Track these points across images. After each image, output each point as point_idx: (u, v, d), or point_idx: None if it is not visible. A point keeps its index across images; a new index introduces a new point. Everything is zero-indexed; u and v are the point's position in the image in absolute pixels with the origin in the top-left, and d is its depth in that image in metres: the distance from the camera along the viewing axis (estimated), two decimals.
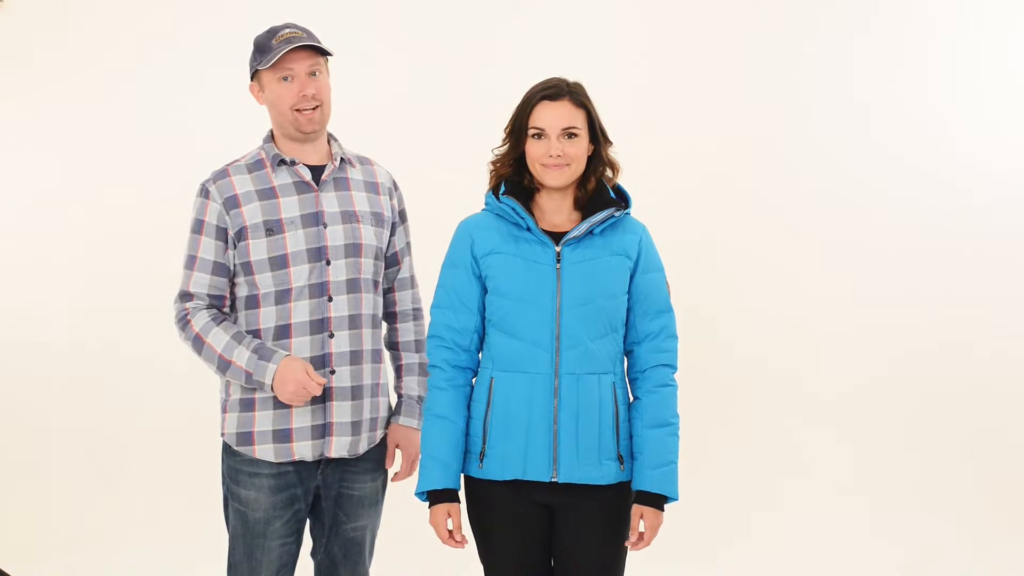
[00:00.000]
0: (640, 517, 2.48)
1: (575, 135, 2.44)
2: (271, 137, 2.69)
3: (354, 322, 2.65)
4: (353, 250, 2.64)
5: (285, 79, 2.59)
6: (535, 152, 2.46)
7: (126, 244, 4.72)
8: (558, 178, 2.46)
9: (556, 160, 2.44)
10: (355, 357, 2.65)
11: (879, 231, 4.61)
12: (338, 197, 2.66)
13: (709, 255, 4.59)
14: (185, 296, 2.63)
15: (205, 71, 4.68)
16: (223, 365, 2.57)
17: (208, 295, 2.63)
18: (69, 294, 4.75)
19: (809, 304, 4.62)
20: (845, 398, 4.58)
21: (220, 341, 2.57)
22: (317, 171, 2.67)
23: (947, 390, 4.54)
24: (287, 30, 2.61)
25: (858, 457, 4.53)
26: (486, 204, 2.55)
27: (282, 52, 2.56)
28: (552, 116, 2.43)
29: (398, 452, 2.84)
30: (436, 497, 2.48)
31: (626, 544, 2.50)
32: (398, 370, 2.86)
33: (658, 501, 2.48)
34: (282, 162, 2.64)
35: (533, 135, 2.45)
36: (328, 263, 2.61)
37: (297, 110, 2.60)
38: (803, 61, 4.67)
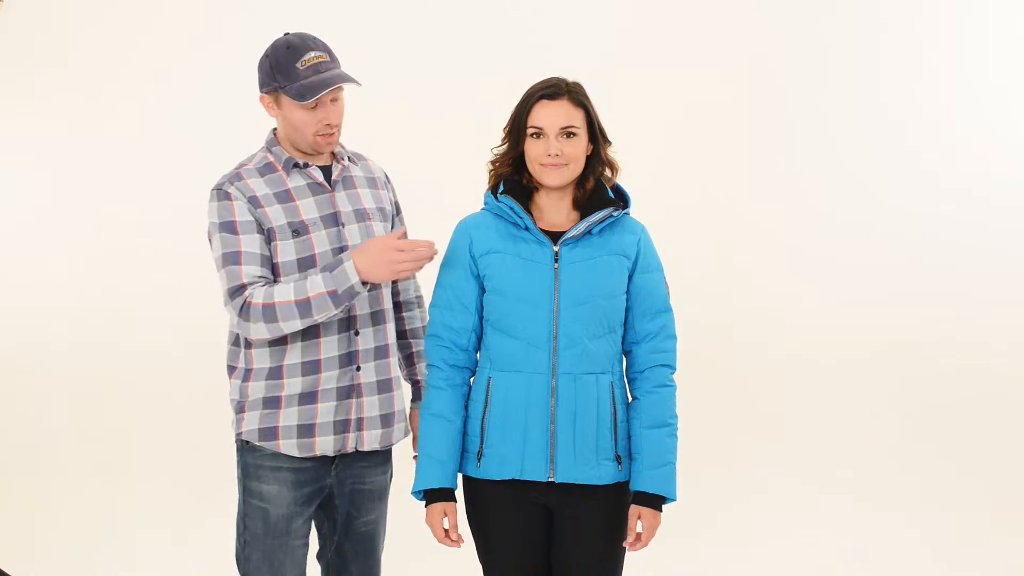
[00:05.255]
0: (638, 518, 2.48)
1: (574, 134, 2.44)
2: (276, 141, 2.65)
3: (376, 318, 2.66)
4: None
5: (312, 108, 2.54)
6: (534, 151, 2.46)
7: (126, 245, 4.72)
8: (556, 178, 2.45)
9: (554, 160, 2.44)
10: (380, 352, 2.66)
11: (881, 227, 4.62)
12: (348, 196, 2.66)
13: (706, 263, 4.59)
14: (239, 290, 2.50)
15: (209, 74, 4.68)
16: (304, 308, 2.46)
17: (261, 276, 2.52)
18: (69, 294, 4.75)
19: (808, 302, 4.63)
20: (845, 396, 4.58)
21: (288, 292, 2.47)
22: (325, 172, 2.67)
23: (946, 389, 4.55)
24: (313, 54, 2.54)
25: (858, 456, 4.53)
26: (485, 203, 2.55)
27: (318, 96, 2.49)
28: (551, 115, 2.43)
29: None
30: (432, 496, 2.48)
31: (624, 545, 2.50)
32: (409, 357, 2.87)
33: (656, 502, 2.48)
34: (295, 165, 2.62)
35: (532, 134, 2.45)
36: None
37: (317, 135, 2.57)
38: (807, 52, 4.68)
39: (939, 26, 4.67)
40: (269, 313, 2.47)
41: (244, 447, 2.64)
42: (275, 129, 2.68)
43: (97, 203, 4.78)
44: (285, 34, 2.60)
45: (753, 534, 4.36)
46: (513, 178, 2.51)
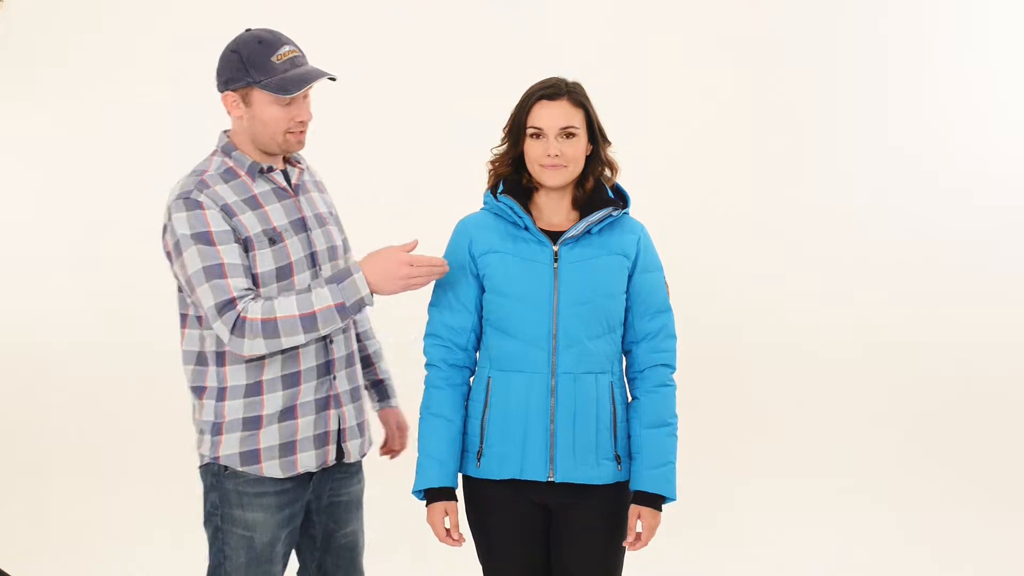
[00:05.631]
0: (637, 517, 2.48)
1: (573, 135, 2.44)
2: (234, 145, 2.51)
3: (344, 325, 2.58)
4: (332, 252, 2.58)
5: (287, 104, 2.45)
6: (533, 152, 2.45)
7: (127, 245, 4.72)
8: (555, 179, 2.45)
9: (554, 160, 2.43)
10: (349, 360, 2.61)
11: (877, 228, 4.64)
12: (307, 200, 2.58)
13: (707, 262, 4.60)
14: (228, 305, 2.36)
15: (209, 74, 4.67)
16: (309, 323, 2.35)
17: (248, 289, 2.39)
18: (69, 294, 4.76)
19: (810, 301, 4.64)
20: (846, 396, 4.59)
21: (291, 306, 2.35)
22: (283, 176, 2.58)
23: (948, 389, 4.57)
24: (287, 48, 2.46)
25: (859, 455, 4.54)
26: (484, 203, 2.55)
27: (303, 90, 2.42)
28: (550, 116, 2.42)
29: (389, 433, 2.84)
30: (433, 496, 2.48)
31: (624, 544, 2.50)
32: (366, 359, 2.81)
33: (656, 501, 2.48)
34: (260, 170, 2.51)
35: (531, 135, 2.44)
36: (319, 268, 2.54)
37: (288, 132, 2.48)
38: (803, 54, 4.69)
39: (941, 28, 4.69)
40: (270, 328, 2.35)
41: (222, 472, 2.50)
42: (227, 132, 2.56)
43: (98, 203, 4.78)
44: (247, 30, 2.51)
45: (753, 534, 4.36)
46: (513, 177, 2.51)
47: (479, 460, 2.49)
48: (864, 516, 4.40)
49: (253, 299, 2.38)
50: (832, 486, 4.49)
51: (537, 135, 2.44)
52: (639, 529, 2.49)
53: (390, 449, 2.87)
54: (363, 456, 2.66)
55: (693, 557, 4.17)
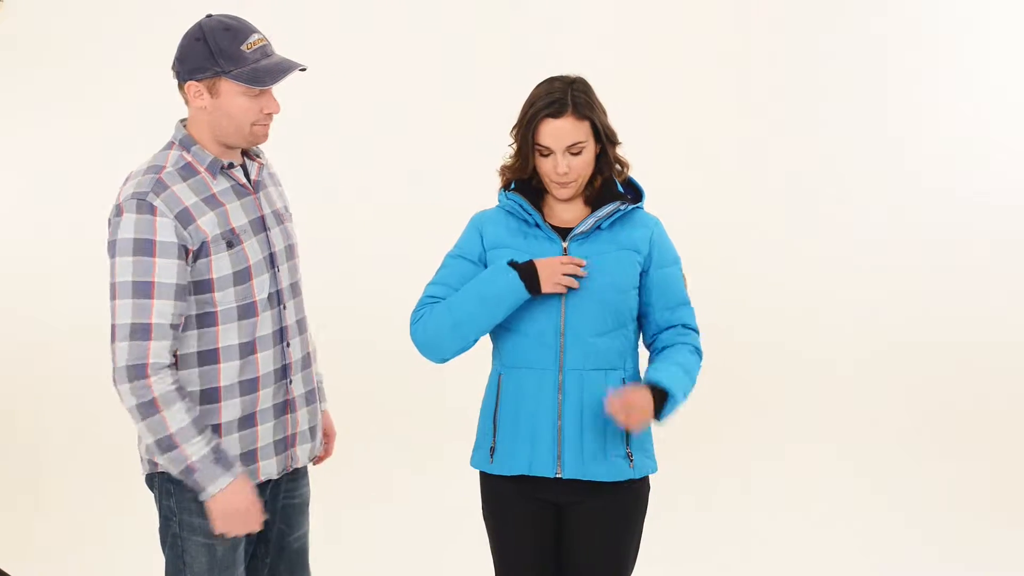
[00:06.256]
0: (635, 393, 2.36)
1: (580, 151, 2.42)
2: (193, 139, 2.38)
3: (300, 327, 2.52)
4: (290, 252, 2.51)
5: (256, 95, 2.34)
6: (543, 167, 2.45)
7: None
8: (565, 193, 2.46)
9: (562, 178, 2.43)
10: (305, 362, 2.52)
11: (876, 231, 4.64)
12: (265, 196, 2.47)
13: (707, 261, 4.60)
14: (143, 332, 2.22)
15: None
16: (166, 444, 2.24)
17: (172, 325, 2.26)
18: (69, 294, 4.75)
19: (809, 301, 4.64)
20: (846, 395, 4.59)
21: (178, 420, 2.24)
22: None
23: (947, 388, 4.57)
24: (256, 36, 2.34)
25: (859, 455, 4.54)
26: (499, 201, 2.55)
27: (279, 82, 2.32)
28: (556, 135, 2.40)
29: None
30: (523, 268, 2.40)
31: (609, 397, 2.37)
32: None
33: (660, 396, 2.37)
34: (221, 167, 2.39)
35: (539, 152, 2.44)
36: (278, 269, 2.44)
37: (255, 124, 2.36)
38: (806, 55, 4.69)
39: (941, 28, 4.69)
40: (147, 409, 2.24)
41: (180, 481, 2.37)
42: (184, 122, 2.42)
43: (98, 203, 4.76)
44: (208, 15, 2.38)
45: (753, 533, 4.36)
46: (522, 178, 2.50)
47: (492, 456, 2.50)
48: (864, 516, 4.40)
49: (170, 367, 2.26)
50: (832, 486, 4.49)
51: (545, 153, 2.43)
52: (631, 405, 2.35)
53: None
54: (312, 461, 2.58)
55: (693, 556, 4.17)
